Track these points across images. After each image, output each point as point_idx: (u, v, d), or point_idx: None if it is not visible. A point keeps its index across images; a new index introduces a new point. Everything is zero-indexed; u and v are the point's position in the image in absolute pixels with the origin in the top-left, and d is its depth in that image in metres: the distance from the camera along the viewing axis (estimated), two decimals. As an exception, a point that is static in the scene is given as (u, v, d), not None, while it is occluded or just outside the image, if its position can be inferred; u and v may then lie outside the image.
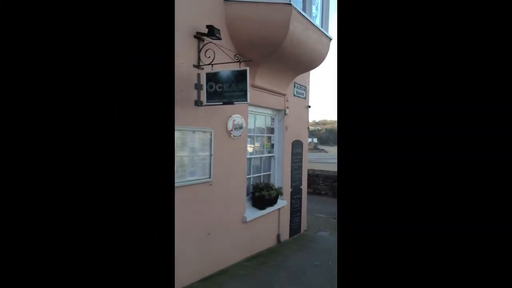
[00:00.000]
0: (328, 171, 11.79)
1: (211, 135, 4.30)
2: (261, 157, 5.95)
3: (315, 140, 70.54)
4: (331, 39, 5.70)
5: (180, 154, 3.88)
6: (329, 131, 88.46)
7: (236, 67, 3.77)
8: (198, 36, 3.97)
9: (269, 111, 6.02)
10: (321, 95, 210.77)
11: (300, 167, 6.85)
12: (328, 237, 6.72)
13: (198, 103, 3.99)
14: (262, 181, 5.85)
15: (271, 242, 5.86)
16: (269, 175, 6.16)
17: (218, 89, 3.78)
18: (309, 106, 7.14)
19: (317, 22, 5.44)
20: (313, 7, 5.36)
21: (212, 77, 3.80)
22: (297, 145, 6.64)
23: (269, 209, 5.60)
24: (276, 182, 6.12)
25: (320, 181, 11.69)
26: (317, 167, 13.53)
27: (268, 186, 5.60)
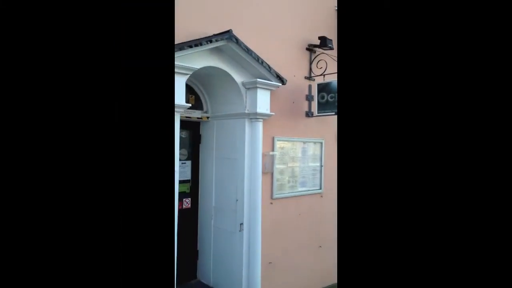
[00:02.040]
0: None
1: (321, 145, 4.25)
2: (373, 169, 5.59)
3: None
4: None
5: (291, 165, 3.94)
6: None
7: (349, 76, 3.65)
8: (310, 48, 4.00)
9: (382, 120, 5.63)
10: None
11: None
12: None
13: (309, 114, 4.00)
14: (374, 194, 5.48)
15: (385, 261, 5.41)
16: (382, 188, 5.74)
17: (329, 99, 3.73)
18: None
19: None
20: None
21: (324, 88, 3.77)
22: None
23: (383, 225, 5.20)
24: (390, 196, 5.65)
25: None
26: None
27: (382, 200, 5.22)
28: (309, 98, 4.01)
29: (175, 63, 2.69)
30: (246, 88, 3.39)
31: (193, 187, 3.86)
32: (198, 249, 3.89)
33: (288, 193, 3.88)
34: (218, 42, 2.95)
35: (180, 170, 3.42)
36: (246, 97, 3.40)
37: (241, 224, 3.44)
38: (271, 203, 3.71)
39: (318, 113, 3.84)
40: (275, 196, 3.73)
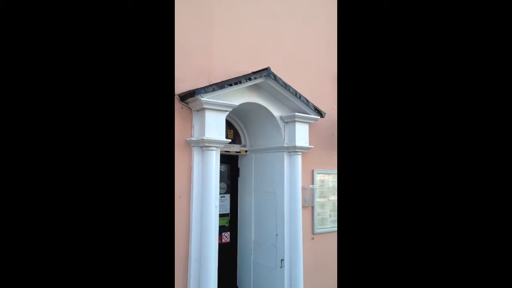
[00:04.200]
0: None
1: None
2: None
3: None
4: None
5: (333, 198, 3.82)
6: None
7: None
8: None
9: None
10: None
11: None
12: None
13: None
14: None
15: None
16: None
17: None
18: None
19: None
20: None
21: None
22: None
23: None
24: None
25: None
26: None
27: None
28: (348, 129, 3.95)
29: (216, 101, 2.78)
30: (284, 122, 3.41)
31: (232, 221, 3.85)
32: (237, 285, 3.82)
33: (330, 227, 3.74)
34: (257, 79, 3.03)
35: (219, 204, 3.44)
36: (284, 131, 3.41)
37: (282, 260, 3.34)
38: (313, 238, 3.59)
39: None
40: (316, 231, 3.62)
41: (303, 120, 3.39)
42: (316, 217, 3.64)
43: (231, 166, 3.91)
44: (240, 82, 2.92)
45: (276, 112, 3.36)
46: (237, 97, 3.03)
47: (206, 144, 2.80)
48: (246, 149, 3.79)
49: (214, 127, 2.83)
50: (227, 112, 2.94)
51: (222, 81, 2.87)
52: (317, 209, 3.66)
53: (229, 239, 3.79)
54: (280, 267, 3.34)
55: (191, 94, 2.70)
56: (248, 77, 2.97)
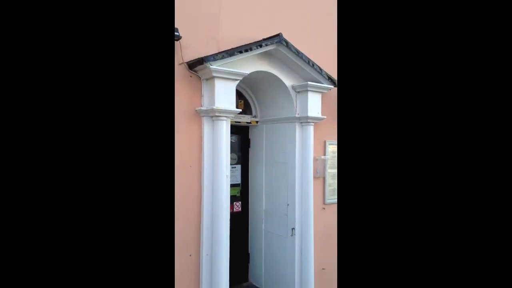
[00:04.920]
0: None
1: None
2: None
3: None
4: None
5: (344, 169, 3.80)
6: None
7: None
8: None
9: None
10: None
11: None
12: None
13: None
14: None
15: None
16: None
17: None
18: None
19: None
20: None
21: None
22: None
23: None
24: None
25: None
26: None
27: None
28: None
29: (226, 69, 2.71)
30: (296, 91, 3.33)
31: (243, 191, 3.89)
32: (249, 252, 3.91)
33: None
34: (268, 46, 2.93)
35: (230, 174, 3.46)
36: (296, 101, 3.34)
37: (293, 229, 3.38)
38: (324, 208, 3.60)
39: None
40: (327, 201, 3.62)
41: (316, 90, 3.30)
42: (328, 188, 3.63)
43: (241, 137, 3.89)
44: (251, 49, 2.83)
45: (288, 81, 3.27)
46: (247, 65, 2.94)
47: (216, 114, 2.76)
48: (257, 119, 3.74)
49: (224, 96, 2.78)
50: (237, 81, 2.87)
51: (232, 48, 2.78)
52: (329, 180, 3.64)
53: (240, 208, 3.84)
54: (291, 236, 3.39)
55: (200, 61, 2.63)
56: (259, 44, 2.87)
